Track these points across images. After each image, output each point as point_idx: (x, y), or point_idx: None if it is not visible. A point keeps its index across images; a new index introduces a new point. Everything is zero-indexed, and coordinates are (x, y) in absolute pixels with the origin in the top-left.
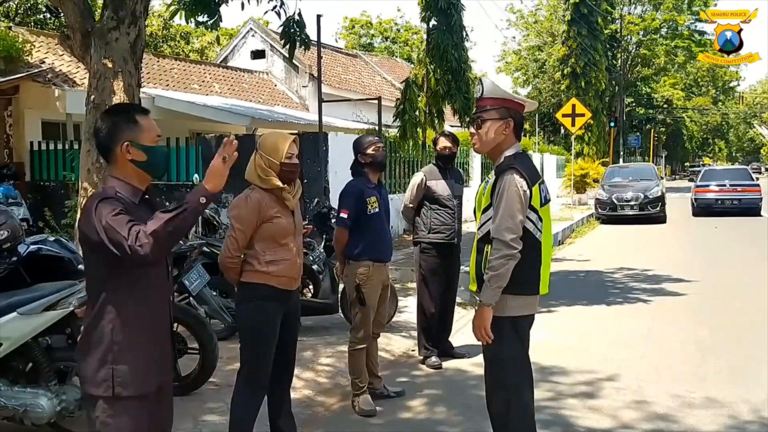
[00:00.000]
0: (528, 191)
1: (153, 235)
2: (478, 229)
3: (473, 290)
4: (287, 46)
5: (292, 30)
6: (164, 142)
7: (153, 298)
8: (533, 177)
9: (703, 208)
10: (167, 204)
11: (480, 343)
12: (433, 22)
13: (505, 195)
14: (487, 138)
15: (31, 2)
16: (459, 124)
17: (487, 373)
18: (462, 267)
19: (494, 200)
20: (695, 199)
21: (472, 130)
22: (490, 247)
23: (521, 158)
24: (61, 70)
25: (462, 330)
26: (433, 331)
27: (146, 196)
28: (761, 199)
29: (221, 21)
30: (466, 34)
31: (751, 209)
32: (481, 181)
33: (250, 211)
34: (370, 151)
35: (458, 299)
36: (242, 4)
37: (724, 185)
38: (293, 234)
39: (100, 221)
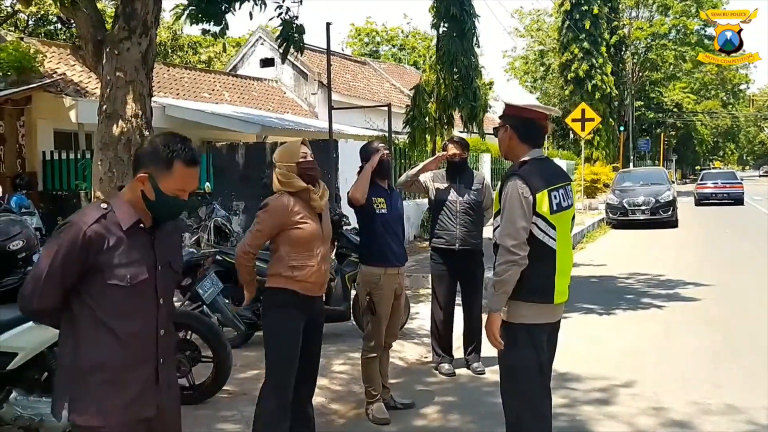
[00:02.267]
0: (531, 197)
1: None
2: (493, 233)
3: None
4: (282, 48)
5: (290, 33)
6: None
7: (127, 331)
8: (539, 183)
9: (701, 199)
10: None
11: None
12: (443, 28)
13: (507, 201)
14: (499, 144)
15: (42, 13)
16: (464, 130)
17: (501, 380)
18: (486, 273)
19: (500, 206)
20: (697, 193)
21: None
22: None
23: (531, 164)
24: (72, 80)
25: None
26: (443, 337)
27: (141, 225)
28: (743, 192)
29: (228, 29)
30: (477, 41)
31: (736, 199)
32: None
33: (275, 211)
34: (375, 158)
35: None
36: (250, 14)
37: (718, 183)
38: (320, 240)
39: (51, 241)
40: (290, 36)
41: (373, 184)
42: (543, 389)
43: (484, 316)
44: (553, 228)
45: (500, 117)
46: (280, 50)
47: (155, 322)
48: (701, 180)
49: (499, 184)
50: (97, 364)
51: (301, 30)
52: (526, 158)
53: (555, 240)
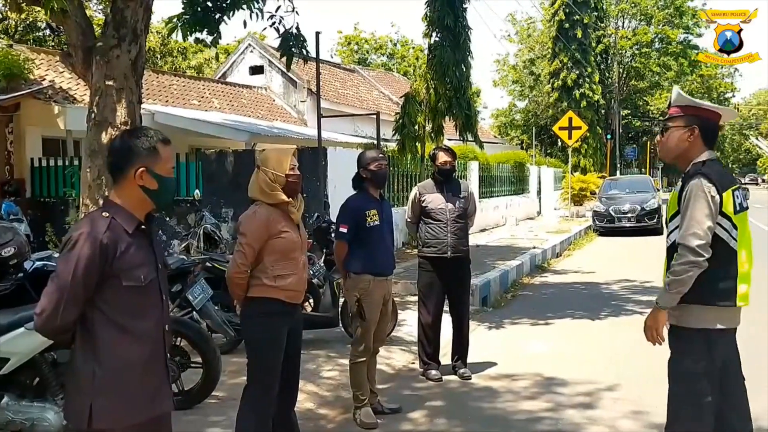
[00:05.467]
0: (718, 197)
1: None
2: (667, 237)
3: None
4: (284, 59)
5: (290, 43)
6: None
7: (143, 329)
8: (725, 183)
9: None
10: (163, 237)
11: (491, 360)
12: (435, 38)
13: (692, 201)
14: (668, 145)
15: (31, 20)
16: (460, 139)
17: (671, 385)
18: (473, 281)
19: (681, 207)
20: None
21: (658, 137)
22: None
23: (711, 164)
24: (61, 87)
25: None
26: (431, 344)
27: (142, 226)
28: None
29: (221, 38)
30: (470, 52)
31: None
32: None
33: (258, 225)
34: (372, 167)
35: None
36: (244, 22)
37: None
38: (300, 248)
39: (66, 257)
40: (291, 48)
41: (366, 194)
42: (714, 397)
43: (472, 324)
44: (735, 229)
45: (676, 117)
46: (284, 64)
47: (162, 317)
48: None
49: (679, 184)
50: (119, 366)
51: (299, 39)
52: (703, 158)
53: (736, 241)
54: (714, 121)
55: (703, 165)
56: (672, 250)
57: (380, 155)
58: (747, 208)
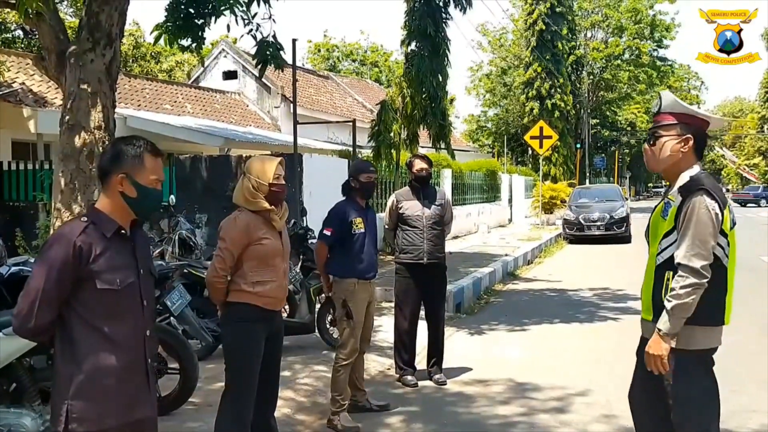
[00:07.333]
0: (720, 214)
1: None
2: (658, 254)
3: (648, 319)
4: (259, 66)
5: (267, 52)
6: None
7: (120, 333)
8: (723, 199)
9: None
10: (154, 238)
11: (465, 365)
12: (412, 46)
13: (695, 218)
14: (662, 155)
15: (0, 20)
16: (433, 147)
17: (674, 412)
18: (447, 287)
19: (680, 224)
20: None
21: (646, 146)
22: (672, 274)
23: (708, 178)
24: (32, 90)
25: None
26: (407, 350)
27: (122, 231)
28: None
29: (204, 43)
30: (448, 62)
31: None
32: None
33: (238, 231)
34: (362, 178)
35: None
36: (228, 26)
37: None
38: (281, 255)
39: (41, 259)
40: (267, 57)
41: (353, 203)
42: (718, 416)
43: (447, 330)
44: (728, 245)
45: (669, 125)
46: (257, 70)
47: (142, 323)
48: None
49: (677, 199)
50: (96, 369)
51: (275, 47)
52: (695, 171)
53: (728, 258)
54: (705, 130)
55: (702, 179)
56: (663, 269)
57: (371, 168)
58: (735, 223)
